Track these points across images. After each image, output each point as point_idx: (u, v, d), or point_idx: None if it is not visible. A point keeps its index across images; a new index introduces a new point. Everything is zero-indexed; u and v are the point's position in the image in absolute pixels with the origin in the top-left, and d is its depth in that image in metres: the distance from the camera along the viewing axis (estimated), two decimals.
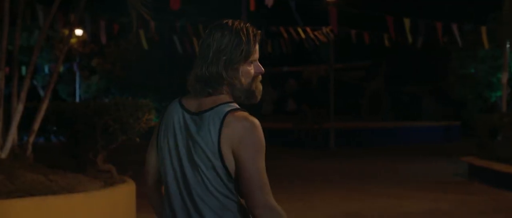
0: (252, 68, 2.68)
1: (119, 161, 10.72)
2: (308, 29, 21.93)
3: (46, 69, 34.21)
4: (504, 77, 19.05)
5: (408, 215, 9.75)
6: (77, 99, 34.67)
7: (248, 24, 2.68)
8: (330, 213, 9.78)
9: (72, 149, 9.64)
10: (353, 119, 30.86)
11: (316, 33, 22.34)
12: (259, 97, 2.72)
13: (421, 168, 17.16)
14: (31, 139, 8.96)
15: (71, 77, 37.72)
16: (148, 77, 37.23)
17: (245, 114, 2.60)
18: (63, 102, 10.40)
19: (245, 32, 2.64)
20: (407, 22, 16.75)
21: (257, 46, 2.66)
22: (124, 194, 8.92)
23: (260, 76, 2.71)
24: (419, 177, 15.06)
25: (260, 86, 2.70)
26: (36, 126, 8.88)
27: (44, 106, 8.93)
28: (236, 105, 2.64)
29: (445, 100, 38.33)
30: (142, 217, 9.49)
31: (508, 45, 19.37)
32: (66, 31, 15.91)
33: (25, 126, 8.99)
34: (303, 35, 21.34)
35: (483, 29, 17.74)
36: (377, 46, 23.57)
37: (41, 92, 34.18)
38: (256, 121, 2.58)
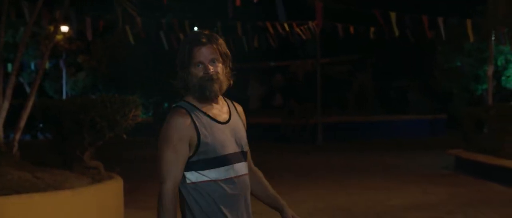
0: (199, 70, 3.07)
1: (107, 157, 10.70)
2: (294, 25, 21.92)
3: (32, 66, 34.03)
4: (490, 70, 19.17)
5: (396, 208, 9.79)
6: (64, 96, 34.50)
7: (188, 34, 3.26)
8: (318, 207, 9.79)
9: (59, 146, 9.59)
10: (340, 113, 30.89)
11: (301, 27, 22.35)
12: (207, 93, 3.06)
13: (408, 161, 17.23)
14: (17, 136, 8.92)
15: (57, 74, 37.56)
16: (135, 74, 37.12)
17: (172, 110, 3.11)
18: (50, 99, 10.36)
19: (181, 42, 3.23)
20: (393, 16, 16.78)
21: (194, 51, 3.04)
22: (111, 190, 8.90)
23: (210, 74, 3.04)
24: (406, 170, 15.13)
25: (208, 84, 3.05)
26: (22, 123, 8.84)
27: (30, 103, 8.89)
28: (180, 102, 3.13)
29: (431, 93, 38.48)
30: (129, 213, 9.48)
31: (493, 38, 19.47)
32: (52, 28, 15.83)
33: (11, 123, 8.94)
34: (287, 29, 21.32)
35: (469, 22, 17.80)
36: (363, 41, 23.62)
37: (27, 89, 33.98)
38: (169, 116, 3.07)
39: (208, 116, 3.08)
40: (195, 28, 22.26)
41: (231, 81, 3.15)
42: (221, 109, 3.15)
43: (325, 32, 23.68)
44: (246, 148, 3.19)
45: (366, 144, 24.18)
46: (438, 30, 17.67)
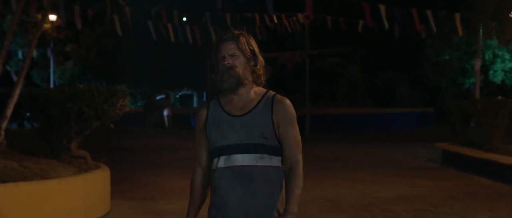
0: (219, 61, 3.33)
1: (94, 147, 10.66)
2: (282, 16, 21.89)
3: (20, 55, 33.81)
4: (477, 64, 19.24)
5: (383, 200, 9.82)
6: (51, 85, 34.33)
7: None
8: (305, 199, 9.79)
9: (46, 135, 9.54)
10: (329, 105, 30.94)
11: (290, 19, 22.32)
12: (223, 84, 3.29)
13: (396, 154, 17.29)
14: (4, 125, 8.87)
15: (45, 63, 37.35)
16: (124, 63, 37.02)
17: None
18: (37, 88, 10.28)
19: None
20: (382, 9, 16.79)
21: (219, 46, 3.32)
22: (98, 180, 8.88)
23: (226, 65, 3.27)
24: (394, 163, 15.18)
25: (225, 75, 3.28)
26: (9, 111, 8.79)
27: (17, 92, 8.84)
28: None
29: (420, 87, 38.62)
30: (116, 203, 9.46)
31: (481, 32, 19.53)
32: (40, 16, 15.71)
33: None
34: (276, 21, 21.29)
35: (457, 16, 17.84)
36: (353, 34, 23.62)
37: (14, 78, 33.80)
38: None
39: (222, 108, 3.32)
40: (184, 19, 22.22)
41: (262, 80, 3.39)
42: (245, 102, 3.31)
43: (315, 24, 23.68)
44: (263, 141, 3.24)
45: (354, 136, 24.24)
46: (427, 23, 17.70)
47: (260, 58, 3.38)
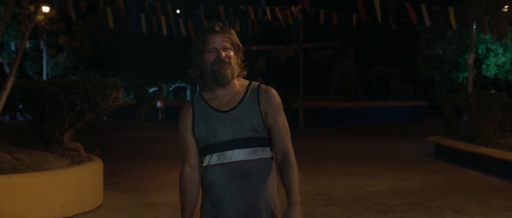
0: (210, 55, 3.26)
1: (87, 139, 10.64)
2: (276, 9, 21.86)
3: (12, 47, 33.70)
4: (471, 58, 19.26)
5: (375, 194, 9.83)
6: (44, 77, 34.24)
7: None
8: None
9: (39, 127, 9.52)
10: (322, 99, 30.94)
11: (284, 13, 22.30)
12: (219, 78, 3.22)
13: (389, 148, 17.32)
14: None
15: (38, 55, 37.25)
16: (117, 55, 36.92)
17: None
18: (30, 80, 10.22)
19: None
20: (376, 1, 16.77)
21: (208, 38, 3.24)
22: (91, 172, 8.86)
23: (222, 59, 3.22)
24: (387, 157, 15.20)
25: (221, 69, 3.22)
26: (2, 103, 8.75)
27: (10, 83, 8.80)
28: (195, 94, 3.38)
29: (413, 80, 38.68)
30: (109, 195, 9.45)
31: (474, 26, 19.55)
32: (32, 8, 15.65)
33: None
34: (269, 17, 21.27)
35: (451, 10, 17.86)
36: (347, 27, 23.63)
37: (7, 70, 33.67)
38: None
39: (209, 105, 3.27)
40: (177, 11, 22.16)
41: (244, 73, 3.35)
42: (231, 96, 3.28)
43: (308, 18, 23.66)
44: (254, 134, 3.22)
45: (347, 129, 24.27)
46: (421, 17, 17.70)
47: (242, 50, 3.37)
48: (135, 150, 17.04)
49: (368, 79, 43.20)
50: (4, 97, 8.72)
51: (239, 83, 3.31)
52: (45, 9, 31.40)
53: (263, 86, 3.34)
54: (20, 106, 9.80)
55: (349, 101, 31.74)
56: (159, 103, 29.37)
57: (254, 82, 3.36)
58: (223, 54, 3.22)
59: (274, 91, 3.34)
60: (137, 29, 19.98)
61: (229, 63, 3.22)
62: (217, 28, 3.26)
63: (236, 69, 3.27)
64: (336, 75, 34.06)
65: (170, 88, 44.07)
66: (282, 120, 3.29)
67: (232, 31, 3.30)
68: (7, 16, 9.40)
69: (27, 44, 29.42)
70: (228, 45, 3.25)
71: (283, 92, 26.55)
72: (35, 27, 30.73)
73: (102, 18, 25.89)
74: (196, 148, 3.29)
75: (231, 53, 3.25)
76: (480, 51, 29.06)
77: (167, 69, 38.69)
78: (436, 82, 32.43)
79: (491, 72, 29.58)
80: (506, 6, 18.21)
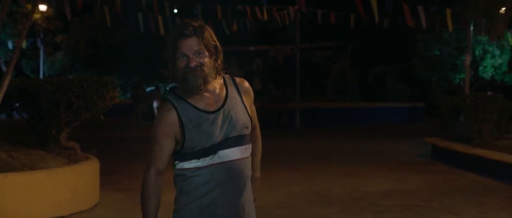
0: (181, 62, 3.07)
1: (83, 138, 10.63)
2: (273, 10, 21.87)
3: (9, 45, 33.66)
4: (468, 59, 19.25)
5: (372, 194, 9.84)
6: (41, 76, 34.21)
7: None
8: (295, 192, 9.81)
9: (35, 126, 9.50)
10: (319, 99, 30.95)
11: (281, 13, 22.31)
12: (189, 87, 3.05)
13: (385, 148, 17.32)
14: None
15: (35, 53, 37.21)
16: (115, 54, 36.89)
17: (163, 103, 3.19)
18: (26, 79, 10.21)
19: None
20: (374, 2, 16.79)
21: (178, 43, 3.04)
22: (87, 171, 8.85)
23: (191, 67, 3.03)
24: (383, 157, 15.21)
25: (191, 76, 3.03)
26: None
27: (6, 82, 8.78)
28: (170, 94, 3.18)
29: (410, 81, 38.70)
30: (105, 195, 9.44)
31: (471, 28, 19.56)
32: (30, 6, 15.63)
33: None
34: (266, 17, 21.27)
35: (448, 11, 17.87)
36: (343, 27, 23.63)
37: (4, 68, 33.62)
38: (159, 111, 3.14)
39: (196, 107, 3.09)
40: (175, 10, 22.13)
41: (222, 74, 3.18)
42: (215, 95, 3.14)
43: (306, 18, 23.67)
44: (245, 131, 3.19)
45: (344, 130, 24.27)
46: (418, 18, 17.72)
47: (221, 50, 3.15)
48: (131, 149, 17.02)
49: (365, 79, 43.20)
50: (1, 96, 8.71)
51: (217, 81, 3.16)
52: (42, 7, 31.34)
53: (237, 79, 3.27)
54: (17, 105, 9.78)
55: (346, 101, 31.75)
56: (155, 103, 29.37)
57: (227, 75, 3.24)
58: (193, 62, 3.00)
59: (247, 82, 3.32)
60: (134, 28, 19.97)
61: (202, 70, 3.01)
62: (188, 32, 3.02)
63: (211, 73, 3.07)
64: (333, 75, 34.07)
65: (167, 88, 44.02)
66: (254, 109, 3.37)
67: (207, 32, 3.07)
68: (4, 15, 9.38)
69: (24, 43, 29.36)
70: (201, 48, 3.02)
71: (280, 93, 26.58)
72: (32, 26, 30.69)
73: (99, 17, 25.85)
74: (170, 154, 3.12)
75: (205, 59, 3.03)
76: (477, 53, 29.10)
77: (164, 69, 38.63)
78: (433, 84, 32.46)
79: (488, 73, 29.62)
80: (503, 8, 18.22)
